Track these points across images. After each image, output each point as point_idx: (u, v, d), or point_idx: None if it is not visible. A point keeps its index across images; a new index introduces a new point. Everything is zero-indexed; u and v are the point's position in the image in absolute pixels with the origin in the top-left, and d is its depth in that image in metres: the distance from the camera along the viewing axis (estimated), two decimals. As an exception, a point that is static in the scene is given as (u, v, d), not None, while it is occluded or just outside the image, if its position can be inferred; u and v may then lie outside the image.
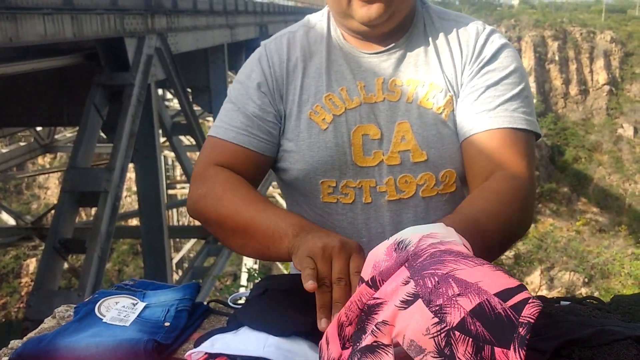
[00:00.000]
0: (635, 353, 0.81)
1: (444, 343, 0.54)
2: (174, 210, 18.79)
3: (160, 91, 10.90)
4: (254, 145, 1.12)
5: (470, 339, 0.54)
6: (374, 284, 0.65)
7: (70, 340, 0.91)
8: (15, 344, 0.97)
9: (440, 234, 0.67)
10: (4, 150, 11.43)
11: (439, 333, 0.55)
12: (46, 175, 21.95)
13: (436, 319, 0.55)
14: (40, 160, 20.92)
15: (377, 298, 0.64)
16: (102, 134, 8.49)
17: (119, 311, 1.01)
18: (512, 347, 0.53)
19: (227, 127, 1.13)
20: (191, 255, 17.02)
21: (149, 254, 8.31)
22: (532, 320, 0.54)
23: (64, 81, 7.43)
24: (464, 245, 0.68)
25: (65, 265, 6.20)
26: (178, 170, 19.82)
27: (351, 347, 0.65)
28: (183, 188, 17.43)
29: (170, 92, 12.58)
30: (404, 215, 1.09)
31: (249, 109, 1.13)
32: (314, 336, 0.88)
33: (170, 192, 16.74)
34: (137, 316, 1.00)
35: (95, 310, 1.01)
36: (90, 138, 6.12)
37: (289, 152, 1.13)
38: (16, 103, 7.65)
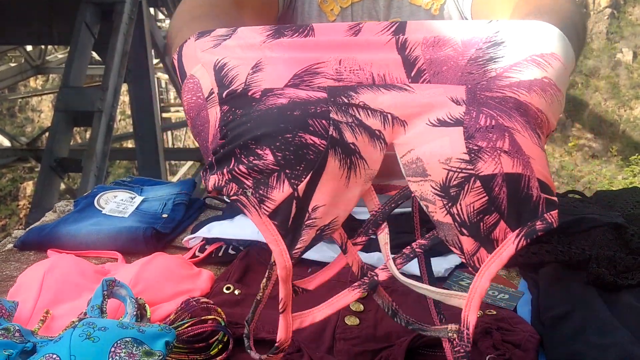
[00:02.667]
0: (610, 238, 0.85)
1: (455, 182, 0.48)
2: (169, 133, 18.73)
3: (152, 11, 10.62)
4: None
5: (486, 197, 0.48)
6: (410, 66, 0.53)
7: (71, 229, 0.95)
8: (18, 233, 1.01)
9: (555, 65, 0.52)
10: (-6, 71, 11.25)
11: (459, 170, 0.48)
12: (39, 98, 21.68)
13: (466, 157, 0.48)
14: (32, 82, 20.61)
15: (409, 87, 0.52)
16: (95, 56, 8.34)
17: (118, 204, 1.04)
18: (517, 231, 0.49)
19: None
20: (188, 177, 17.11)
21: (145, 177, 8.35)
22: (554, 225, 0.50)
23: (52, -2, 7.24)
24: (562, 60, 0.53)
25: (62, 186, 6.25)
26: (172, 94, 19.62)
27: None
28: (177, 111, 17.32)
29: (162, 13, 12.26)
30: None
31: None
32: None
33: (165, 115, 16.63)
34: (135, 208, 1.03)
35: (95, 202, 1.05)
36: (82, 57, 6.02)
37: None
38: (3, 20, 7.47)
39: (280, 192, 0.51)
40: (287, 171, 0.50)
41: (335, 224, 0.53)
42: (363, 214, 1.08)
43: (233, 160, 0.51)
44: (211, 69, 0.55)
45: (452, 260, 0.85)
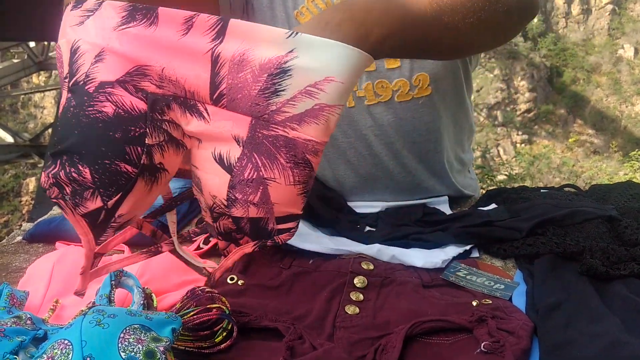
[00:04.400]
0: (604, 230, 0.87)
1: (217, 210, 0.62)
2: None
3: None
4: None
5: (235, 226, 0.63)
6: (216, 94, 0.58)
7: (79, 221, 0.97)
8: (27, 226, 1.03)
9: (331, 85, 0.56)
10: (-4, 68, 11.26)
11: (219, 206, 0.62)
12: (42, 94, 21.71)
13: (225, 202, 0.61)
14: (35, 79, 20.65)
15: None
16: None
17: (124, 198, 1.06)
18: (255, 242, 0.64)
19: None
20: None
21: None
22: (280, 243, 0.63)
23: (55, -5, 7.23)
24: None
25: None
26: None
27: None
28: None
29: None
30: (384, 118, 1.10)
31: None
32: (307, 215, 0.94)
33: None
34: (141, 202, 1.05)
35: (101, 196, 1.07)
36: (84, 53, 6.04)
37: None
38: (5, 16, 7.48)
39: (93, 203, 0.60)
40: (101, 190, 0.60)
41: (134, 219, 0.65)
42: (363, 207, 1.11)
43: (58, 164, 0.59)
44: (68, 50, 0.60)
45: (450, 252, 0.87)
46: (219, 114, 0.58)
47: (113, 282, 0.71)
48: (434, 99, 1.09)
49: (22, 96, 20.22)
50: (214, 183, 0.60)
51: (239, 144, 0.58)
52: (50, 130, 7.80)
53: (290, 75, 0.56)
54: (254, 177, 0.58)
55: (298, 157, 0.57)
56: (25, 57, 11.77)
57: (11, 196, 20.50)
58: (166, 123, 0.60)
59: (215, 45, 0.57)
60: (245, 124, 0.57)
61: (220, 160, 0.59)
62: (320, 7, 1.07)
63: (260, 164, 0.58)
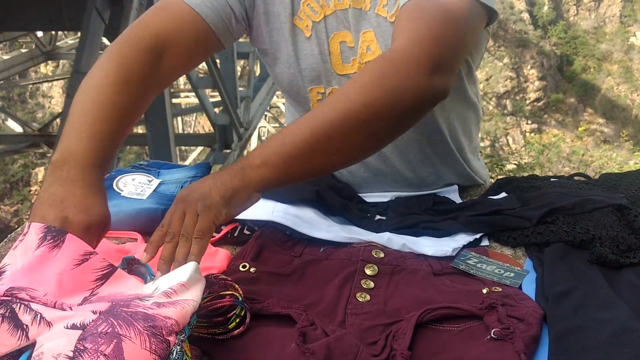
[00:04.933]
0: (614, 219, 0.88)
1: None
2: (179, 119, 18.80)
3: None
4: (218, 27, 1.02)
5: None
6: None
7: (92, 209, 0.98)
8: (41, 214, 1.04)
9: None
10: (5, 57, 11.30)
11: None
12: (50, 84, 21.75)
13: (70, 354, 0.55)
14: (42, 68, 20.71)
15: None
16: (105, 42, 8.36)
17: (136, 186, 1.07)
18: None
19: None
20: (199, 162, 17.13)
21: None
22: None
23: (63, -16, 7.25)
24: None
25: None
26: (182, 79, 19.63)
27: None
28: (187, 97, 17.35)
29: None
30: None
31: None
32: (318, 203, 0.95)
33: (175, 100, 16.68)
34: (153, 191, 1.07)
35: (113, 185, 1.08)
36: (93, 43, 6.04)
37: (274, 57, 1.11)
38: (14, 6, 7.50)
39: None
40: None
41: None
42: (373, 197, 1.12)
43: None
44: None
45: (460, 240, 0.88)
46: (80, 307, 0.62)
47: (125, 269, 0.72)
48: None
49: (31, 86, 20.27)
50: (60, 343, 0.56)
51: (95, 314, 0.60)
52: (58, 119, 7.83)
53: (151, 296, 0.62)
54: (109, 331, 0.56)
55: (156, 330, 0.58)
56: (33, 47, 11.79)
57: (20, 186, 20.63)
58: (19, 303, 0.61)
59: (97, 286, 0.66)
60: (106, 305, 0.61)
61: (72, 326, 0.58)
62: (315, 9, 1.06)
63: (116, 324, 0.57)
